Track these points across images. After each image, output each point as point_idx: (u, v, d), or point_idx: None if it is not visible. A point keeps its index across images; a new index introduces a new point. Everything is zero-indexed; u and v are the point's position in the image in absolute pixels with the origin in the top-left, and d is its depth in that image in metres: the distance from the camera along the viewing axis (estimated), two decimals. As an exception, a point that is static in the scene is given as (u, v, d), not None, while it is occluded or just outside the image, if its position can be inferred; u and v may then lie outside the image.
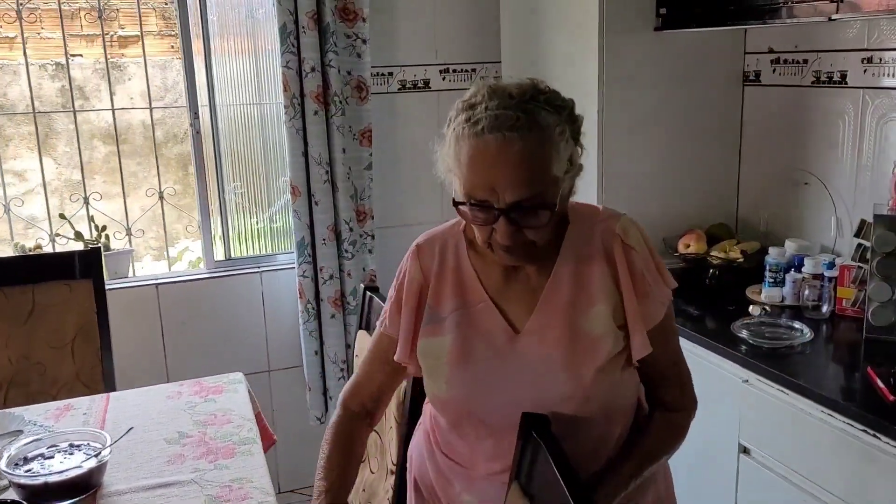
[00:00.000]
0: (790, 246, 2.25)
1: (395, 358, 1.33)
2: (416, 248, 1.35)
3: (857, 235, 1.94)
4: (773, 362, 1.81)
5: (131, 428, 1.65)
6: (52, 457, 1.51)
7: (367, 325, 1.90)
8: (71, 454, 1.52)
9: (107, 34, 3.75)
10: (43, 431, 1.71)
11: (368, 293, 1.89)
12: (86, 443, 1.56)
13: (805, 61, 2.29)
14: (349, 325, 2.80)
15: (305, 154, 2.68)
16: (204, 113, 2.79)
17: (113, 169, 3.28)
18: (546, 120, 1.14)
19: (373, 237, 2.83)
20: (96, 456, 1.49)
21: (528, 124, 1.13)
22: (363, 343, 1.85)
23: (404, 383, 1.60)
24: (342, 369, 2.81)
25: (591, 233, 1.25)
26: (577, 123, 1.21)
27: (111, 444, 1.52)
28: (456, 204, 1.19)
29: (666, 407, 1.32)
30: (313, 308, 2.77)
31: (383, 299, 1.84)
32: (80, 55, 3.66)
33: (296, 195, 2.69)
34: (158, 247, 3.63)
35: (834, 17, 1.78)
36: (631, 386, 1.29)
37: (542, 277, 1.26)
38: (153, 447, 1.65)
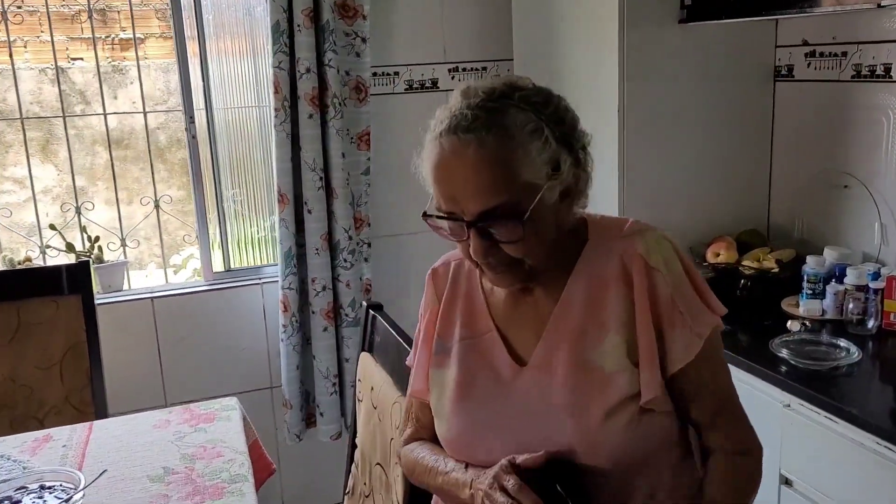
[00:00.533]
0: (830, 254, 2.07)
1: (409, 391, 1.26)
2: (432, 272, 1.28)
3: (908, 244, 1.77)
4: (818, 385, 1.64)
5: (104, 471, 1.50)
6: (19, 501, 1.37)
7: (370, 347, 1.74)
8: (41, 497, 1.37)
9: (107, 37, 3.64)
10: (16, 468, 1.57)
11: (371, 312, 1.73)
12: (59, 484, 1.41)
13: (844, 54, 2.11)
14: (344, 338, 2.65)
15: (295, 160, 2.52)
16: (200, 117, 2.64)
17: (116, 175, 3.16)
18: (513, 119, 1.02)
19: (369, 245, 2.67)
20: (66, 501, 1.34)
21: (487, 124, 1.01)
22: (367, 367, 1.70)
23: (410, 415, 1.44)
24: (335, 384, 2.65)
25: (610, 251, 1.11)
26: (566, 124, 1.07)
27: (84, 488, 1.37)
28: (425, 216, 1.08)
29: (723, 451, 1.13)
30: (297, 321, 2.61)
31: (386, 318, 1.69)
32: (81, 58, 3.54)
33: (284, 203, 2.54)
34: (165, 254, 3.50)
35: (884, 3, 1.61)
36: (654, 433, 1.09)
37: (552, 302, 1.12)
38: (135, 486, 1.50)
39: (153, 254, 3.61)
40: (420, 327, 1.27)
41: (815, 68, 2.21)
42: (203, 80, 2.62)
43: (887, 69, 1.99)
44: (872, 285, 1.92)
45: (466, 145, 1.01)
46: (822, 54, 2.18)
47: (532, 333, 1.13)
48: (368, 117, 2.60)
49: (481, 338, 1.18)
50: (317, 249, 2.57)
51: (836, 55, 2.14)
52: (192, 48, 2.60)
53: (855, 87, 2.10)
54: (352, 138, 2.60)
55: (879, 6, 1.61)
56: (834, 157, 2.19)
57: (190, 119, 2.61)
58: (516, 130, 1.01)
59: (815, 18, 2.17)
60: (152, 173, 2.76)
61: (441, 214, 1.06)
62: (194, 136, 2.63)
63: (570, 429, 1.06)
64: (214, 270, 2.75)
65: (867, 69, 2.05)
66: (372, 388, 1.64)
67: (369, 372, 1.67)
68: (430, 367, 1.22)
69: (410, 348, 1.51)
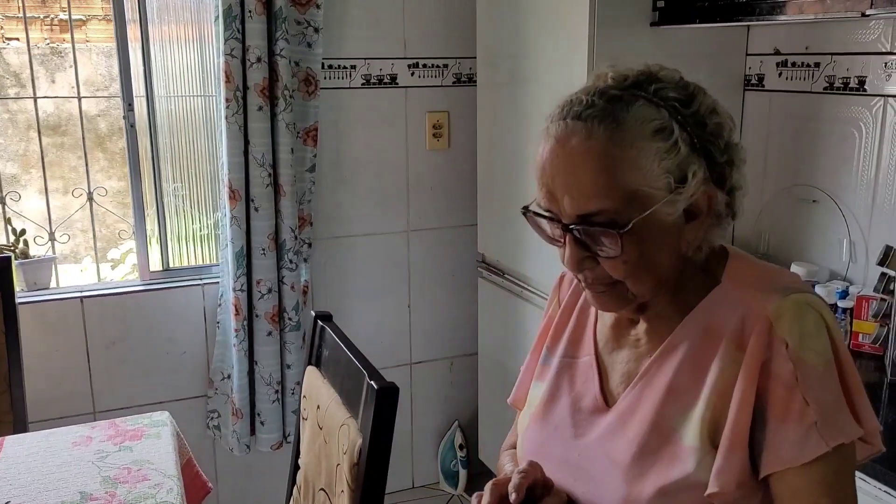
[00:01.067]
0: (797, 270, 2.01)
1: (511, 397, 1.18)
2: (559, 279, 1.15)
3: (881, 264, 1.71)
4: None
5: (7, 502, 1.33)
6: None
7: (317, 361, 1.61)
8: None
9: (46, 17, 3.42)
10: None
11: (320, 323, 1.60)
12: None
13: (816, 65, 2.06)
14: (287, 343, 2.50)
15: (246, 154, 2.37)
16: (140, 105, 2.46)
17: (51, 163, 2.95)
18: (636, 113, 0.87)
19: (309, 245, 2.53)
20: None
21: (602, 114, 0.87)
22: (313, 383, 1.56)
23: (359, 441, 1.31)
24: (277, 391, 2.50)
25: (737, 301, 0.90)
26: (709, 130, 0.90)
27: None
28: (525, 211, 0.94)
29: None
30: (247, 326, 2.46)
31: (336, 330, 1.55)
32: (17, 38, 3.32)
33: (235, 200, 2.38)
34: (102, 248, 3.30)
35: (868, 12, 1.54)
36: None
37: (655, 345, 0.97)
38: (47, 515, 1.34)
39: (91, 247, 3.41)
40: (538, 332, 1.16)
41: (787, 78, 2.15)
42: (144, 66, 2.44)
43: (861, 82, 1.94)
44: (841, 304, 1.87)
45: (572, 134, 0.87)
46: (794, 64, 2.12)
47: (627, 375, 0.99)
48: (317, 112, 2.46)
49: (580, 360, 1.05)
50: (263, 249, 2.42)
51: (808, 66, 2.08)
52: (133, 32, 2.42)
53: (827, 99, 2.04)
54: (298, 133, 2.45)
55: (864, 15, 1.54)
56: (803, 170, 2.13)
57: (128, 106, 2.43)
58: (635, 126, 0.86)
59: (788, 27, 2.11)
60: (86, 163, 2.57)
61: (540, 212, 0.93)
62: (133, 125, 2.45)
63: (619, 493, 0.91)
64: (152, 269, 2.56)
65: (840, 81, 1.99)
66: (318, 407, 1.50)
67: (316, 389, 1.53)
68: (533, 376, 1.12)
69: (360, 364, 1.38)
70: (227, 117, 2.32)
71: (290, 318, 2.49)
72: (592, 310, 1.07)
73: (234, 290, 2.42)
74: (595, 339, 1.05)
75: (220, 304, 2.52)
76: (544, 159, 0.90)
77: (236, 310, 2.43)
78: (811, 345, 0.84)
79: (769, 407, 0.85)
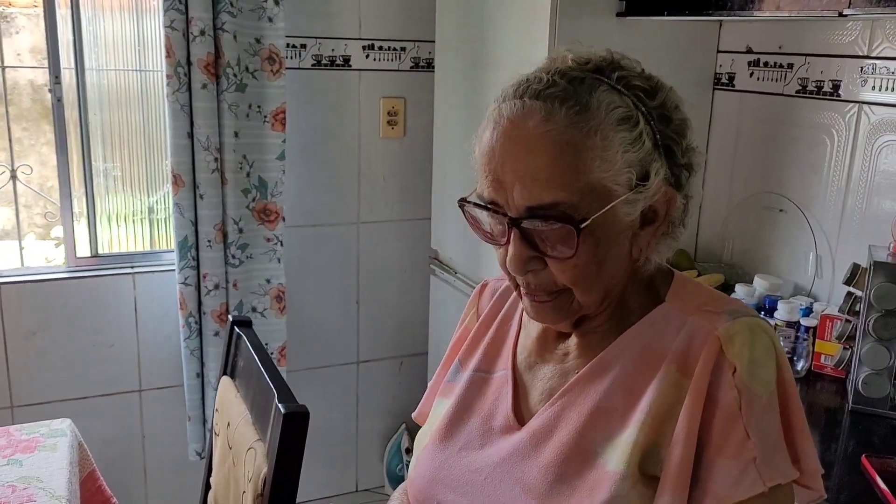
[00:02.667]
0: (760, 283, 1.90)
1: (415, 413, 1.08)
2: (481, 285, 1.06)
3: (848, 283, 1.60)
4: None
5: None
6: None
7: (232, 371, 1.46)
8: None
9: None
10: None
11: (237, 330, 1.45)
12: None
13: (790, 66, 1.93)
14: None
15: (191, 136, 2.20)
16: (68, 77, 2.28)
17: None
18: (600, 98, 0.78)
19: (282, 244, 2.37)
20: None
21: (564, 94, 0.78)
22: (226, 396, 1.41)
23: (264, 469, 1.17)
24: (223, 397, 2.35)
25: (682, 323, 0.82)
26: (673, 127, 0.82)
27: None
28: (461, 202, 0.82)
29: None
30: (195, 322, 2.30)
31: (252, 338, 1.41)
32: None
33: (178, 185, 2.21)
34: (45, 224, 3.11)
35: (846, 12, 1.41)
36: None
37: (583, 360, 0.87)
38: None
39: (33, 223, 3.22)
40: (450, 343, 1.06)
41: (758, 79, 2.02)
42: (74, 36, 2.25)
43: (836, 86, 1.82)
44: (804, 322, 1.76)
45: (528, 115, 0.77)
46: (766, 64, 2.00)
47: (545, 391, 0.89)
48: (283, 93, 2.28)
49: (494, 375, 0.94)
50: (209, 241, 2.25)
51: (781, 66, 1.96)
52: (62, -2, 2.24)
53: (799, 102, 1.92)
54: (264, 116, 2.27)
55: (842, 15, 1.41)
56: (771, 177, 2.02)
57: (55, 79, 2.25)
58: (600, 112, 0.77)
59: (762, 24, 1.99)
60: (9, 138, 2.38)
61: (481, 203, 0.81)
62: (60, 99, 2.27)
63: None
64: (79, 255, 2.39)
65: (814, 84, 1.87)
66: (228, 424, 1.36)
67: (228, 403, 1.39)
68: (438, 392, 1.01)
69: (271, 381, 1.24)
70: (168, 95, 2.14)
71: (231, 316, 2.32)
72: (515, 321, 0.96)
73: (179, 282, 2.26)
74: (514, 352, 0.94)
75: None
76: (493, 143, 0.79)
77: (181, 304, 2.27)
78: (759, 373, 0.77)
79: (707, 436, 0.77)
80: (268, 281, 2.37)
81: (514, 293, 0.96)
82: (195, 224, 2.25)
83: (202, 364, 2.34)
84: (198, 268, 2.28)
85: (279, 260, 2.37)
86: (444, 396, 0.99)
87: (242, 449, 1.26)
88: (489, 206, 0.81)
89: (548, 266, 0.80)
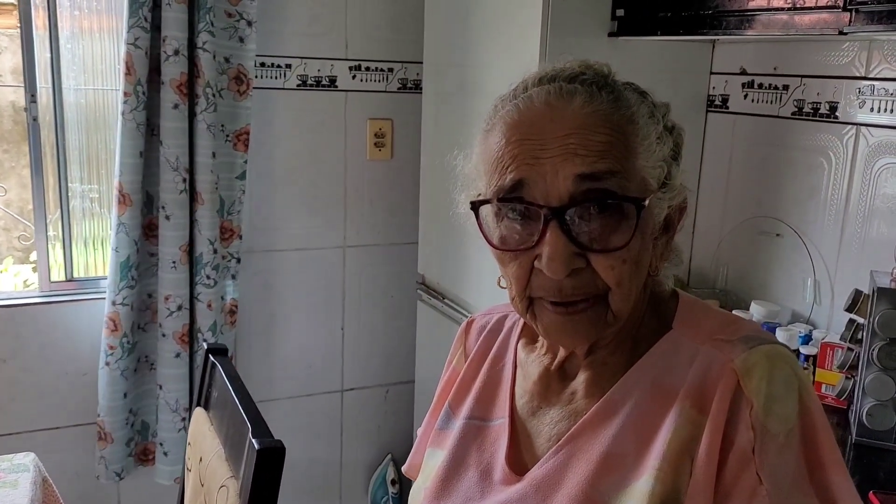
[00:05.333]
0: (757, 310, 1.84)
1: (405, 466, 1.01)
2: (467, 323, 0.97)
3: (849, 310, 1.54)
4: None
5: None
6: None
7: (206, 402, 1.38)
8: None
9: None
10: None
11: (212, 359, 1.37)
12: None
13: (785, 87, 1.90)
14: (199, 367, 2.26)
15: (145, 155, 2.12)
16: (45, 97, 2.21)
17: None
18: (627, 94, 0.75)
19: (238, 261, 2.30)
20: None
21: (598, 81, 0.75)
22: (199, 429, 1.34)
23: (236, 509, 1.09)
24: (184, 419, 2.25)
25: (694, 353, 0.75)
26: (675, 135, 0.79)
27: None
28: (475, 206, 0.73)
29: None
30: (128, 343, 2.20)
31: (227, 368, 1.33)
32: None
33: (125, 204, 2.12)
34: (23, 248, 3.03)
35: (846, 29, 1.37)
36: None
37: (593, 400, 0.78)
38: None
39: (12, 247, 3.14)
40: (438, 386, 0.97)
41: (753, 100, 1.98)
42: (52, 55, 2.19)
43: (832, 108, 1.78)
44: (804, 350, 1.70)
45: (571, 96, 0.72)
46: (760, 85, 1.96)
47: (552, 437, 0.80)
48: (249, 113, 2.23)
49: (490, 424, 0.86)
50: (174, 262, 2.17)
51: (776, 88, 1.92)
52: (41, 18, 2.17)
53: (795, 125, 1.88)
54: (227, 136, 2.22)
55: (842, 33, 1.37)
56: (767, 200, 1.97)
57: (31, 98, 2.18)
58: (633, 102, 0.74)
59: (756, 45, 1.95)
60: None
61: (504, 196, 0.72)
62: (36, 119, 2.20)
63: None
64: (53, 279, 2.31)
65: (810, 106, 1.83)
66: (200, 459, 1.28)
67: (201, 436, 1.31)
68: (429, 442, 0.92)
69: (245, 414, 1.17)
70: (124, 113, 2.07)
71: (205, 340, 2.25)
72: (508, 362, 0.88)
73: (115, 303, 2.16)
74: (512, 398, 0.85)
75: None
76: (526, 127, 0.72)
77: (113, 325, 2.17)
78: (777, 409, 0.69)
79: (720, 480, 0.69)
80: (222, 298, 2.29)
81: (507, 330, 0.90)
82: (138, 244, 2.16)
83: (159, 386, 2.24)
84: (136, 287, 2.18)
85: (234, 277, 2.30)
86: (437, 447, 0.90)
87: (214, 486, 1.18)
88: (520, 199, 0.71)
89: (589, 265, 0.71)
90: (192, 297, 2.22)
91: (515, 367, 0.88)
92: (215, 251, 2.21)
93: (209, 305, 2.22)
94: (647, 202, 0.71)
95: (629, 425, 0.74)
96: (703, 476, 0.70)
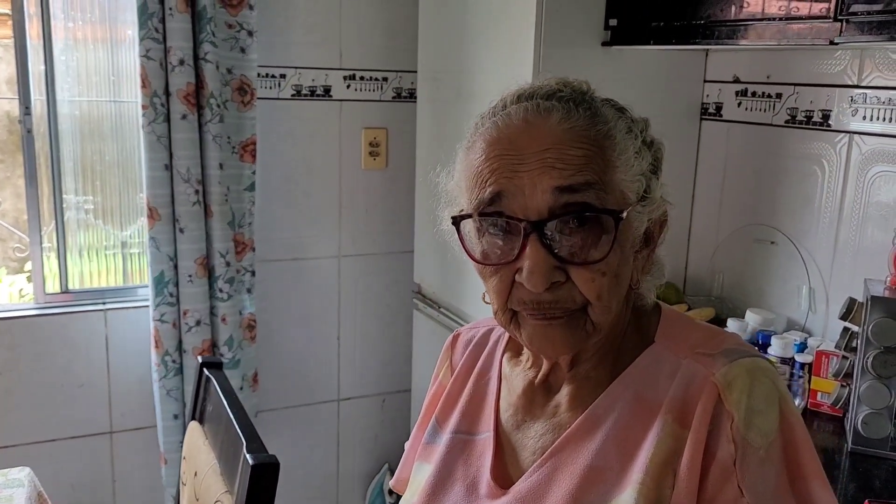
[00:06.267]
0: (752, 318, 1.84)
1: (392, 480, 1.02)
2: (453, 336, 0.98)
3: (844, 318, 1.54)
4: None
5: None
6: None
7: (201, 416, 1.38)
8: None
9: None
10: None
11: (206, 372, 1.37)
12: None
13: (778, 95, 1.90)
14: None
15: (169, 168, 2.14)
16: (39, 108, 2.21)
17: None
18: (604, 110, 0.76)
19: (253, 274, 2.30)
20: None
21: (575, 98, 0.75)
22: (194, 443, 1.33)
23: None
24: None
25: (676, 367, 0.76)
26: (655, 149, 0.80)
27: None
28: (457, 221, 0.75)
29: None
30: (174, 361, 2.21)
31: (222, 381, 1.33)
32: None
33: (154, 219, 2.14)
34: (19, 259, 3.03)
35: (837, 40, 1.38)
36: None
37: (574, 414, 0.79)
38: None
39: (7, 257, 3.14)
40: (425, 400, 0.98)
41: (746, 109, 1.99)
42: (46, 66, 2.19)
43: (825, 116, 1.78)
44: (799, 359, 1.70)
45: (549, 112, 0.73)
46: (754, 94, 1.97)
47: (536, 451, 0.81)
48: (254, 124, 2.23)
49: (476, 438, 0.86)
50: (190, 276, 2.17)
51: (769, 96, 1.93)
52: (34, 28, 2.18)
53: (788, 133, 1.88)
54: (233, 147, 2.22)
55: (832, 43, 1.37)
56: (761, 208, 1.97)
57: (25, 110, 2.18)
58: (610, 118, 0.75)
59: (749, 53, 1.96)
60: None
61: (483, 211, 0.73)
62: (30, 130, 2.20)
63: None
64: (48, 292, 2.30)
65: (803, 114, 1.84)
66: (196, 474, 1.27)
67: (196, 451, 1.31)
68: (416, 456, 0.93)
69: (240, 428, 1.16)
70: (143, 126, 2.08)
71: (221, 356, 2.24)
72: (494, 376, 0.89)
73: (154, 319, 2.18)
74: (497, 411, 0.86)
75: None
76: (505, 143, 0.73)
77: (156, 342, 2.18)
78: (757, 422, 0.70)
79: (702, 494, 0.70)
80: (240, 312, 2.29)
81: (493, 344, 0.90)
82: (174, 259, 2.17)
83: (184, 404, 2.25)
84: (177, 304, 2.20)
85: (249, 290, 2.30)
86: (424, 461, 0.91)
87: (209, 501, 1.17)
88: (499, 214, 0.73)
89: (569, 278, 0.72)
90: (211, 312, 2.22)
91: (501, 380, 0.89)
92: (228, 264, 2.21)
93: (223, 319, 2.22)
94: (625, 214, 0.72)
95: (612, 439, 0.75)
96: (685, 489, 0.70)
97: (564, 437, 0.78)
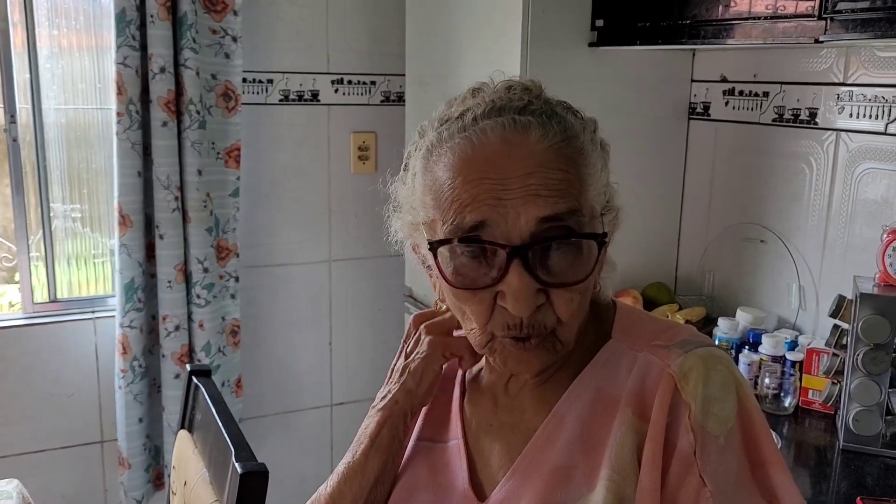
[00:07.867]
0: (743, 317, 1.84)
1: None
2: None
3: (833, 315, 1.54)
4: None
5: None
6: None
7: (190, 424, 1.37)
8: None
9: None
10: None
11: (195, 380, 1.36)
12: None
13: (765, 94, 1.90)
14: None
15: (143, 175, 2.12)
16: (24, 116, 2.20)
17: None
18: (573, 123, 0.74)
19: (237, 279, 2.29)
20: None
21: (546, 111, 0.73)
22: (183, 452, 1.32)
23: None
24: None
25: (633, 360, 0.76)
26: (606, 149, 0.79)
27: None
28: (434, 247, 0.71)
29: None
30: (140, 366, 2.19)
31: (211, 389, 1.32)
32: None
33: (126, 225, 2.12)
34: (7, 268, 3.01)
35: (822, 38, 1.38)
36: None
37: (540, 417, 0.78)
38: None
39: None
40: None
41: (734, 107, 1.99)
42: (31, 74, 2.18)
43: (812, 114, 1.79)
44: (790, 356, 1.70)
45: (526, 130, 0.71)
46: (741, 93, 1.97)
47: (505, 457, 0.80)
48: (238, 130, 2.23)
49: (444, 445, 0.85)
50: (169, 282, 2.16)
51: (756, 95, 1.93)
52: (19, 36, 2.16)
53: (776, 131, 1.89)
54: (217, 153, 2.21)
55: (817, 42, 1.38)
56: (750, 207, 1.97)
57: (10, 118, 2.16)
58: (578, 130, 0.74)
59: (736, 52, 1.96)
60: (-37, 180, 2.29)
61: (464, 237, 0.71)
62: (15, 139, 2.18)
63: None
64: (36, 301, 2.29)
65: (790, 113, 1.84)
66: (185, 483, 1.26)
67: (185, 460, 1.30)
68: None
69: (229, 436, 1.15)
70: (118, 133, 2.07)
71: (198, 360, 2.23)
72: (457, 382, 0.87)
73: (122, 325, 2.16)
74: (463, 418, 0.85)
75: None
76: (481, 165, 0.70)
77: (123, 348, 2.16)
78: (714, 410, 0.70)
79: (665, 485, 0.70)
80: (223, 318, 2.28)
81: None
82: (142, 265, 2.15)
83: (162, 408, 2.23)
84: (144, 310, 2.18)
85: (233, 296, 2.29)
86: None
87: (199, 511, 1.16)
88: (480, 240, 0.70)
89: (547, 300, 0.71)
90: (189, 318, 2.21)
91: (464, 386, 0.87)
92: (206, 270, 2.19)
93: (201, 325, 2.20)
94: (608, 238, 0.73)
95: (576, 438, 0.75)
96: (648, 482, 0.70)
97: (533, 441, 0.77)
